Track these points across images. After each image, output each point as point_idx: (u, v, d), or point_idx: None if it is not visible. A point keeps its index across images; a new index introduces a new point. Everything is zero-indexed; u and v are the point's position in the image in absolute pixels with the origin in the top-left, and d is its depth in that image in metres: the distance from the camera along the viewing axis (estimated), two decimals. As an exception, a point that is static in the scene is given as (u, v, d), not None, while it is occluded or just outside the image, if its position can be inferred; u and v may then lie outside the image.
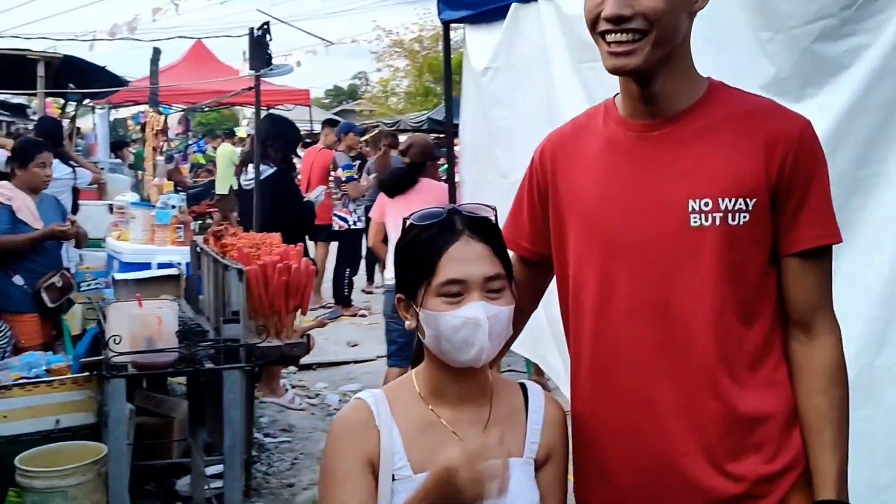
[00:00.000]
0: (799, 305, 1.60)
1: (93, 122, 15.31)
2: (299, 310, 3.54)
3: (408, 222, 1.63)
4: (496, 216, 1.64)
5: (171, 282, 4.21)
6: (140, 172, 7.35)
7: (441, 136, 15.08)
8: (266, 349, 3.34)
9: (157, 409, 4.66)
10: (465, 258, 1.53)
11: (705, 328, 1.55)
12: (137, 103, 15.83)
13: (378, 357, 7.11)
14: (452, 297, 1.53)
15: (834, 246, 2.55)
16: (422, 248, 1.57)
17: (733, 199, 1.53)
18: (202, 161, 13.34)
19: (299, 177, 8.91)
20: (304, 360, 6.55)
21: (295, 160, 7.15)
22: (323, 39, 13.35)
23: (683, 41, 1.58)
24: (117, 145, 14.05)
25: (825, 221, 1.59)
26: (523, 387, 1.71)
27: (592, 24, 1.55)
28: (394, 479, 1.56)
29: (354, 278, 9.17)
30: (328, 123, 9.99)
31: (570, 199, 1.68)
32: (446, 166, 5.64)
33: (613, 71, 1.55)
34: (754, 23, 2.89)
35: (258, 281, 3.41)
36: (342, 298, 8.93)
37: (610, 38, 1.51)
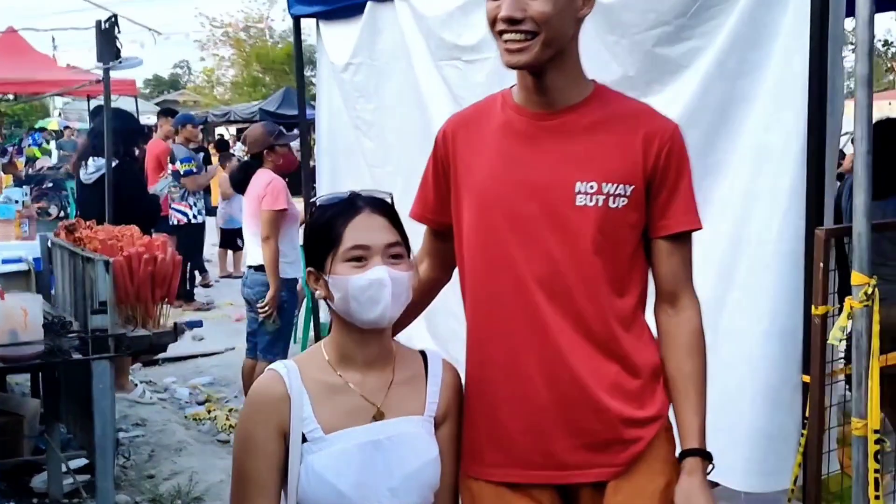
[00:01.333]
0: (666, 282, 1.85)
1: None
2: (166, 299, 3.58)
3: (314, 204, 1.80)
4: (392, 200, 1.83)
5: (21, 277, 4.13)
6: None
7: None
8: (135, 339, 3.37)
9: (3, 407, 4.53)
10: (367, 227, 1.72)
11: (584, 296, 1.78)
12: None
13: (227, 349, 7.14)
14: (357, 261, 1.71)
15: None
16: (328, 223, 1.75)
17: (615, 185, 1.76)
18: (38, 154, 12.72)
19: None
20: (148, 357, 6.52)
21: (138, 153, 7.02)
22: (151, 30, 12.93)
23: (572, 43, 1.80)
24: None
25: (690, 210, 1.85)
26: (423, 354, 1.91)
27: (492, 23, 1.75)
28: (305, 441, 1.72)
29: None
30: (164, 114, 9.77)
31: (466, 177, 1.87)
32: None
33: (509, 65, 1.76)
34: (601, 28, 3.22)
35: (124, 272, 3.42)
36: (184, 293, 8.80)
37: (506, 36, 1.72)
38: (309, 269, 1.79)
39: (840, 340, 2.47)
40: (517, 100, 1.86)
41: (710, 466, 1.83)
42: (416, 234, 2.00)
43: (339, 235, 1.72)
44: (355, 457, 1.73)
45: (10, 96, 14.74)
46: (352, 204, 1.76)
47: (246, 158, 5.41)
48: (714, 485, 2.97)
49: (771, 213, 2.83)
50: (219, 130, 24.91)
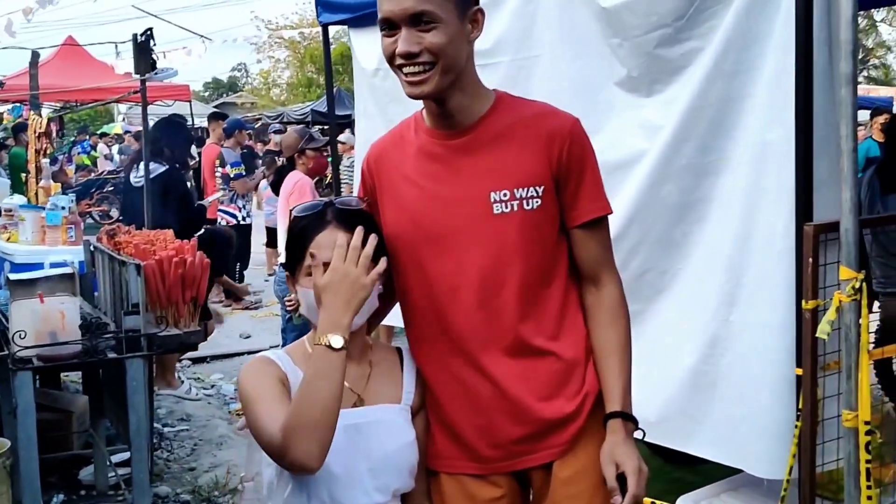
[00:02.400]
0: (587, 265, 1.96)
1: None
2: (196, 300, 3.76)
3: (292, 213, 1.92)
4: (370, 205, 1.95)
5: (66, 280, 4.34)
6: (23, 175, 7.32)
7: (326, 126, 15.23)
8: (165, 338, 3.56)
9: (54, 404, 4.78)
10: (328, 245, 1.81)
11: (513, 294, 1.89)
12: (7, 102, 15.41)
13: (271, 347, 7.34)
14: None
15: (695, 222, 3.02)
16: (298, 235, 1.88)
17: (527, 188, 1.87)
18: (87, 162, 13.19)
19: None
20: (198, 354, 6.77)
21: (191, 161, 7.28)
22: (202, 36, 13.27)
23: (468, 63, 1.88)
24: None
25: (598, 197, 1.95)
26: (399, 350, 2.05)
27: (390, 59, 1.83)
28: None
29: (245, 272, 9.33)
30: (215, 117, 10.04)
31: (392, 201, 1.97)
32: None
33: (412, 96, 1.85)
34: (605, 31, 3.31)
35: (155, 274, 3.62)
36: (232, 292, 9.07)
37: (406, 70, 1.81)
38: (286, 274, 1.93)
39: (828, 334, 2.51)
40: (428, 123, 1.96)
41: (640, 431, 1.93)
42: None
43: (304, 249, 1.85)
44: (338, 437, 1.83)
45: (73, 103, 15.21)
46: (321, 217, 1.87)
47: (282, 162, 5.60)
48: (737, 471, 3.07)
49: (776, 210, 2.88)
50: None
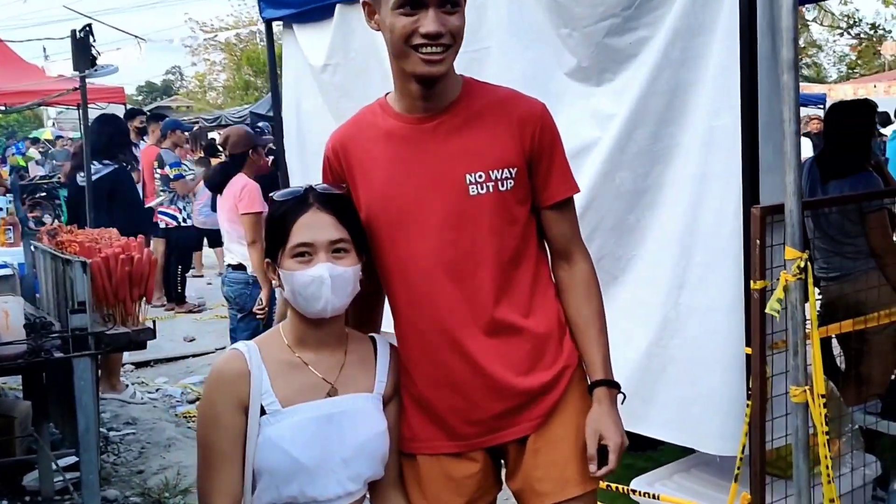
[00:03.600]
0: (559, 243, 2.04)
1: None
2: (144, 298, 3.70)
3: (271, 199, 1.92)
4: (348, 192, 1.96)
5: (7, 281, 4.24)
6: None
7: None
8: (114, 336, 3.49)
9: (-6, 410, 4.66)
10: (312, 225, 1.84)
11: (489, 274, 1.93)
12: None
13: (217, 349, 7.25)
14: (301, 256, 1.84)
15: (647, 208, 3.10)
16: (279, 219, 1.87)
17: (501, 170, 1.92)
18: (22, 163, 12.87)
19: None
20: (141, 358, 6.66)
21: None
22: (137, 37, 13.02)
23: None
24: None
25: (567, 178, 2.02)
26: (373, 338, 2.05)
27: (406, 37, 1.83)
28: (264, 413, 1.85)
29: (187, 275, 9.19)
30: (154, 119, 9.90)
31: (365, 186, 1.98)
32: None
33: (428, 76, 1.85)
34: (554, 22, 3.34)
35: (102, 272, 3.54)
36: (175, 295, 8.93)
37: (426, 49, 1.82)
38: (266, 260, 1.92)
39: (777, 311, 2.58)
40: (397, 108, 1.98)
41: (621, 396, 2.02)
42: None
43: (287, 231, 1.85)
44: (310, 428, 1.86)
45: (2, 107, 14.81)
46: (303, 200, 1.87)
47: (224, 160, 5.49)
48: (690, 451, 3.14)
49: (725, 194, 2.94)
50: (211, 135, 24.99)
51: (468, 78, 2.01)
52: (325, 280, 1.82)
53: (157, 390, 6.29)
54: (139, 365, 6.87)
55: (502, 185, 1.92)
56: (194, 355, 7.21)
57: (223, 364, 1.90)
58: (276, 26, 5.20)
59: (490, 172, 1.91)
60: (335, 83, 4.71)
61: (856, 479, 3.10)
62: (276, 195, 1.93)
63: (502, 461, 2.09)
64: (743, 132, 2.77)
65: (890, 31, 19.89)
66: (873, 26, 20.48)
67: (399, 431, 2.03)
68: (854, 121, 3.95)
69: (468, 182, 1.91)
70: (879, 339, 3.70)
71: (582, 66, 3.34)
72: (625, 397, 2.04)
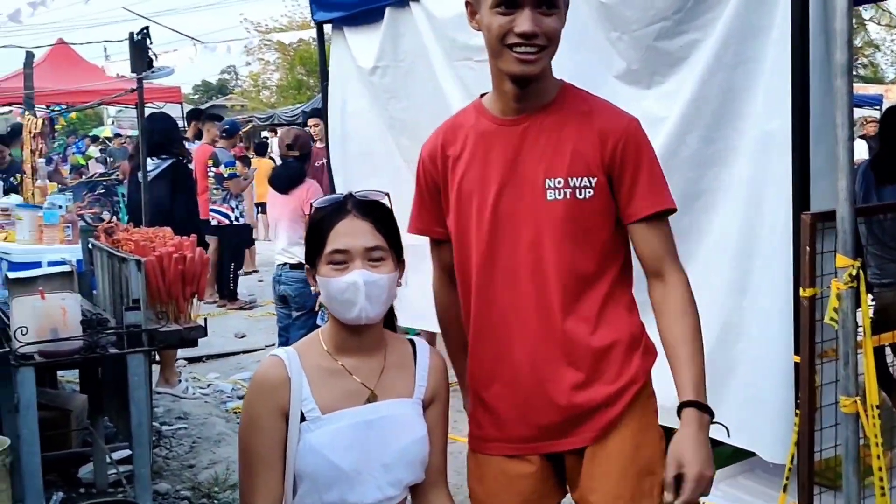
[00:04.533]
0: (650, 261, 1.97)
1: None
2: (196, 296, 3.77)
3: (313, 205, 1.95)
4: (389, 199, 1.97)
5: (65, 278, 4.35)
6: (18, 175, 7.33)
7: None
8: (166, 333, 3.56)
9: (52, 402, 4.78)
10: (348, 232, 1.87)
11: (559, 280, 1.94)
12: (-3, 104, 15.35)
13: (267, 346, 7.35)
14: (338, 264, 1.86)
15: (701, 211, 3.07)
16: (318, 225, 1.90)
17: (580, 178, 1.91)
18: (82, 162, 13.20)
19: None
20: (193, 354, 6.78)
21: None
22: (193, 38, 13.25)
23: None
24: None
25: (654, 193, 1.96)
26: (412, 342, 2.06)
27: (501, 37, 1.84)
28: (304, 419, 1.88)
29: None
30: (209, 118, 10.07)
31: (455, 185, 2.02)
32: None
33: (522, 75, 1.87)
34: (604, 25, 3.34)
35: (156, 270, 3.62)
36: (228, 292, 9.07)
37: (520, 49, 1.84)
38: (306, 265, 1.95)
39: (834, 321, 2.54)
40: (492, 109, 2.00)
41: (724, 427, 1.93)
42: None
43: (325, 238, 1.87)
44: (350, 435, 1.87)
45: (63, 106, 15.19)
46: (341, 208, 1.90)
47: (289, 159, 5.53)
48: (750, 454, 3.09)
49: (779, 199, 2.91)
50: (264, 134, 25.29)
51: (567, 84, 2.02)
52: (360, 287, 1.84)
53: (208, 385, 6.40)
54: (191, 360, 6.99)
55: (580, 194, 1.91)
56: (245, 351, 7.31)
57: (263, 371, 1.92)
58: (328, 28, 5.27)
59: (568, 179, 1.91)
60: (384, 85, 4.76)
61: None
62: (317, 202, 1.96)
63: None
64: (794, 137, 2.73)
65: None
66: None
67: (442, 434, 2.05)
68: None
69: (546, 186, 1.92)
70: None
71: (632, 70, 3.33)
72: (728, 431, 1.95)
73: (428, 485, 2.02)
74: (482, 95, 2.05)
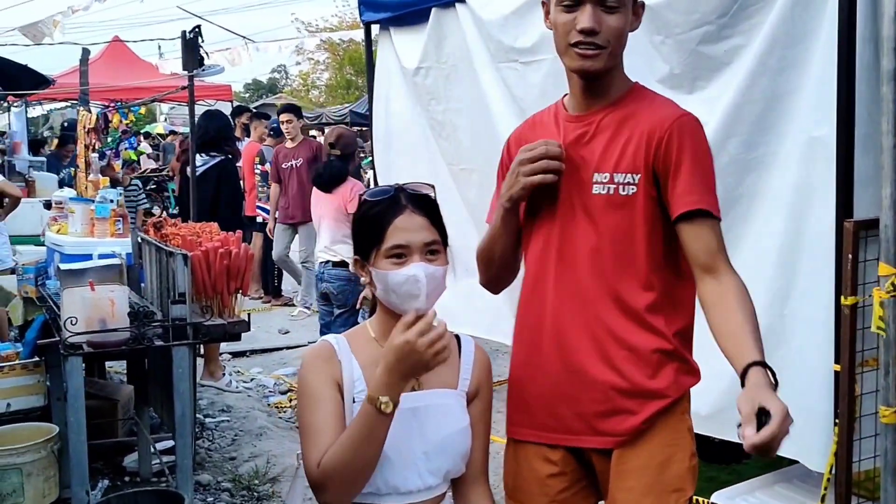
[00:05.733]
0: (698, 258, 1.92)
1: (8, 120, 15.12)
2: (240, 291, 3.84)
3: (362, 198, 1.98)
4: (434, 192, 2.00)
5: (114, 270, 4.45)
6: (72, 169, 7.51)
7: (364, 128, 15.31)
8: (211, 327, 3.63)
9: (100, 392, 4.90)
10: (407, 227, 1.89)
11: (599, 277, 1.97)
12: (55, 100, 15.71)
13: (309, 342, 7.43)
14: (398, 258, 1.88)
15: (740, 217, 3.08)
16: (373, 219, 1.92)
17: (624, 174, 1.94)
18: (133, 157, 13.49)
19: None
20: (238, 348, 6.89)
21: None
22: (246, 38, 13.43)
23: (622, 52, 1.99)
24: (35, 143, 14.01)
25: (697, 191, 1.91)
26: (457, 336, 2.07)
27: (566, 34, 1.91)
28: (354, 402, 1.90)
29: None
30: (257, 117, 10.20)
31: None
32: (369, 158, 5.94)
33: (579, 70, 1.94)
34: (647, 28, 3.33)
35: (201, 265, 3.70)
36: (272, 288, 9.18)
37: (581, 46, 1.90)
38: (355, 257, 1.99)
39: (883, 330, 2.52)
40: (568, 107, 2.06)
41: (774, 380, 1.72)
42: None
43: (383, 232, 1.89)
44: (395, 420, 1.88)
45: (120, 102, 15.51)
46: (396, 201, 1.92)
47: (332, 158, 5.59)
48: (792, 462, 3.06)
49: (825, 206, 2.89)
50: (312, 132, 25.53)
51: (639, 85, 2.05)
52: (421, 279, 1.86)
53: (251, 380, 6.49)
54: (236, 355, 7.10)
55: (623, 190, 1.94)
56: (288, 347, 7.39)
57: (314, 349, 1.97)
58: (375, 28, 5.33)
59: (614, 175, 1.95)
60: (426, 86, 4.80)
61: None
62: (368, 195, 1.98)
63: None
64: (838, 144, 2.71)
65: None
66: None
67: (485, 430, 2.06)
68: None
69: (594, 181, 1.96)
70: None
71: (674, 74, 3.33)
72: (777, 384, 1.72)
73: (469, 480, 2.04)
74: (565, 96, 2.10)
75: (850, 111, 2.69)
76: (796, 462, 3.04)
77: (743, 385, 1.68)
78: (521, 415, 2.10)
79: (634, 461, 1.96)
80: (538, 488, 2.08)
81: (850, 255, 2.57)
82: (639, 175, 1.94)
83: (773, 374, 1.70)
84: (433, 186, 2.02)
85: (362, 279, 1.98)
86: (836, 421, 2.68)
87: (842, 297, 2.64)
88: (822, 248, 2.91)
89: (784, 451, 2.95)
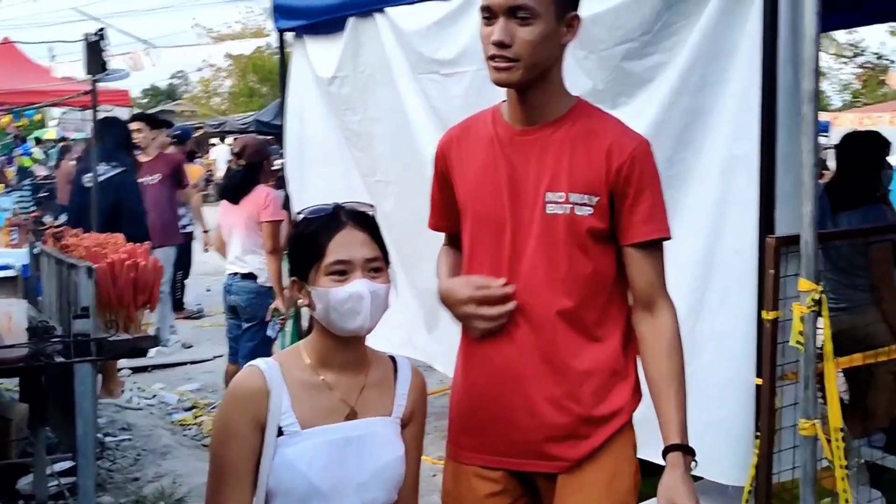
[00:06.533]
0: (641, 289, 1.97)
1: None
2: (148, 305, 3.67)
3: (300, 217, 1.91)
4: (374, 212, 1.94)
5: (10, 283, 4.21)
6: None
7: (269, 136, 15.05)
8: (116, 343, 3.46)
9: (-9, 412, 4.62)
10: (349, 242, 1.82)
11: (549, 297, 1.93)
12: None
13: (215, 357, 7.22)
14: (339, 275, 1.81)
15: None
16: (312, 236, 1.85)
17: (581, 195, 1.92)
18: (28, 163, 12.89)
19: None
20: (138, 363, 6.63)
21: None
22: (147, 43, 13.03)
23: (556, 64, 1.95)
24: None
25: (654, 220, 1.96)
26: (393, 358, 2.02)
27: (486, 46, 1.90)
28: (282, 434, 1.82)
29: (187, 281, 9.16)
30: (163, 124, 9.88)
31: (461, 188, 2.04)
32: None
33: (496, 83, 1.92)
34: (571, 44, 3.32)
35: (107, 278, 3.51)
36: (174, 301, 8.89)
37: (495, 60, 1.88)
38: (293, 278, 1.90)
39: (802, 344, 2.56)
40: (505, 116, 2.01)
41: (693, 462, 1.90)
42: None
43: (323, 249, 1.82)
44: (328, 452, 1.83)
45: (8, 108, 14.84)
46: (336, 218, 1.86)
47: (238, 168, 5.43)
48: (697, 479, 3.09)
49: (743, 222, 2.92)
50: (213, 141, 25.02)
51: (583, 101, 2.03)
52: (365, 296, 1.81)
53: (153, 396, 6.25)
54: (136, 370, 6.83)
55: (579, 210, 1.92)
56: (192, 362, 7.17)
57: (242, 381, 1.87)
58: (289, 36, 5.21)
59: (570, 195, 1.92)
60: (342, 96, 4.72)
61: (862, 514, 3.07)
62: (306, 212, 1.91)
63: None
64: (761, 161, 2.76)
65: (894, 62, 19.94)
66: (878, 56, 20.53)
67: (417, 453, 2.01)
68: (866, 152, 3.96)
69: (547, 200, 1.93)
70: (885, 371, 3.68)
71: (597, 90, 3.32)
72: (696, 464, 1.93)
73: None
74: (502, 102, 2.06)
75: (772, 130, 2.74)
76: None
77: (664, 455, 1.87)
78: (467, 438, 2.04)
79: (582, 478, 1.95)
80: None
81: (771, 271, 2.61)
82: (597, 198, 1.92)
83: (693, 454, 1.88)
84: (373, 206, 1.96)
85: (300, 301, 1.91)
86: (758, 434, 2.71)
87: (763, 312, 2.68)
88: (738, 263, 2.95)
89: (697, 469, 3.01)
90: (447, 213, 2.14)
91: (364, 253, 1.84)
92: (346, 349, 1.88)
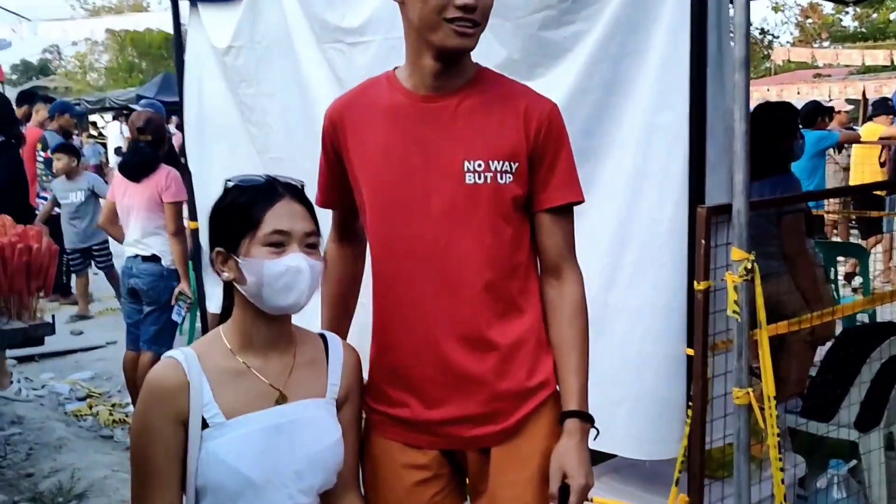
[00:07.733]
0: (550, 255, 1.93)
1: None
2: (42, 291, 3.43)
3: (229, 184, 1.77)
4: (303, 187, 1.83)
5: None
6: None
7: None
8: (9, 332, 3.22)
9: None
10: (288, 214, 1.72)
11: (474, 270, 1.85)
12: None
13: (108, 343, 6.89)
14: (276, 246, 1.70)
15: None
16: (246, 206, 1.72)
17: (501, 162, 1.84)
18: None
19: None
20: (24, 352, 6.25)
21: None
22: (18, 15, 12.25)
23: None
24: None
25: (570, 184, 1.93)
26: (323, 336, 1.90)
27: (440, 9, 1.77)
28: (206, 426, 1.69)
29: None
30: (42, 100, 9.34)
31: (359, 159, 1.91)
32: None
33: (456, 48, 1.81)
34: None
35: (-4, 262, 3.26)
36: (60, 286, 8.44)
37: (459, 22, 1.78)
38: (218, 249, 1.75)
39: (738, 314, 2.56)
40: (406, 84, 1.90)
41: (595, 430, 1.90)
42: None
43: (259, 219, 1.71)
44: (258, 441, 1.71)
45: None
46: (272, 188, 1.75)
47: (140, 144, 5.11)
48: (612, 456, 3.08)
49: (662, 193, 2.90)
50: (92, 118, 23.95)
51: (482, 66, 1.95)
52: (304, 270, 1.71)
53: (43, 387, 5.92)
54: (22, 359, 6.45)
55: (501, 178, 1.84)
56: (83, 349, 6.82)
57: (158, 375, 1.73)
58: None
59: (490, 163, 1.84)
60: (237, 67, 4.49)
61: (786, 478, 3.13)
62: (238, 181, 1.78)
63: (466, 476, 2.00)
64: (691, 131, 2.73)
65: (777, 37, 20.68)
66: (762, 31, 21.24)
67: (355, 434, 1.93)
68: (775, 122, 4.02)
69: (466, 169, 1.83)
70: (796, 339, 3.76)
71: (513, 59, 3.23)
72: (598, 433, 1.92)
73: (339, 489, 1.88)
74: (395, 69, 1.95)
75: (702, 98, 2.71)
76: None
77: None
78: (388, 409, 1.95)
79: (515, 453, 1.89)
80: (406, 496, 1.94)
81: (703, 241, 2.60)
82: (517, 163, 1.86)
83: (592, 420, 1.88)
84: (302, 183, 1.85)
85: (223, 275, 1.76)
86: (690, 403, 2.71)
87: (694, 282, 2.66)
88: (656, 235, 2.93)
89: (610, 447, 2.97)
90: (338, 187, 2.01)
91: (303, 226, 1.74)
92: (272, 327, 1.77)
